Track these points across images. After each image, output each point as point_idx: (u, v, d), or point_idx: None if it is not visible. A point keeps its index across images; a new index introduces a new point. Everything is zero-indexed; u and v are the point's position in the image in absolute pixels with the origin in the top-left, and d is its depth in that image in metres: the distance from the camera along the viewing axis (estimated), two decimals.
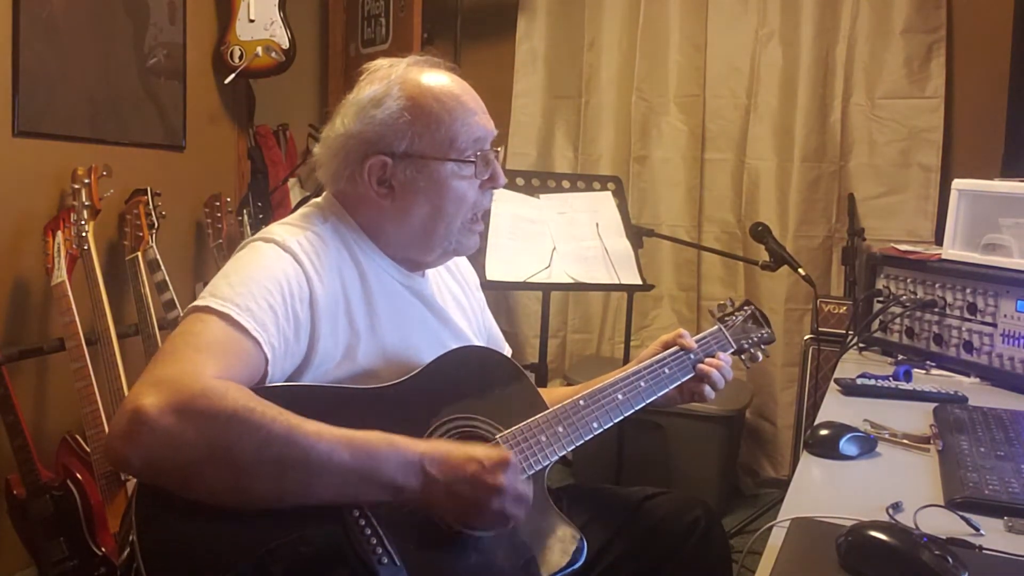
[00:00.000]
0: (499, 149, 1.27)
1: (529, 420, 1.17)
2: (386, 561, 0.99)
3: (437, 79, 1.22)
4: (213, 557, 0.91)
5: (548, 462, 1.16)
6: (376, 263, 1.23)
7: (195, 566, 0.91)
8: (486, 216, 1.31)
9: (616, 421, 1.25)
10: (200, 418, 0.91)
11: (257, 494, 0.93)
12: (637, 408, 1.28)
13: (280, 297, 1.08)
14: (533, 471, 1.13)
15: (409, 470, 0.99)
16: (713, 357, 1.40)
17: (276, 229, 1.19)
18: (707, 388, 1.38)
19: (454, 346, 1.24)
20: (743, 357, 1.52)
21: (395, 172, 1.19)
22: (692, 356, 1.39)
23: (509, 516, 1.03)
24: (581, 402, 1.23)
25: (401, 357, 1.20)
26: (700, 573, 1.29)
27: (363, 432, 0.99)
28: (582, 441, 1.20)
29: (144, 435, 0.90)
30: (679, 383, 1.37)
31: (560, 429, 1.18)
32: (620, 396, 1.27)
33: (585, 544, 1.12)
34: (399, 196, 1.21)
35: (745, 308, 1.56)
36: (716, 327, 1.49)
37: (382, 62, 1.25)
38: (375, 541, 0.99)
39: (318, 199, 1.28)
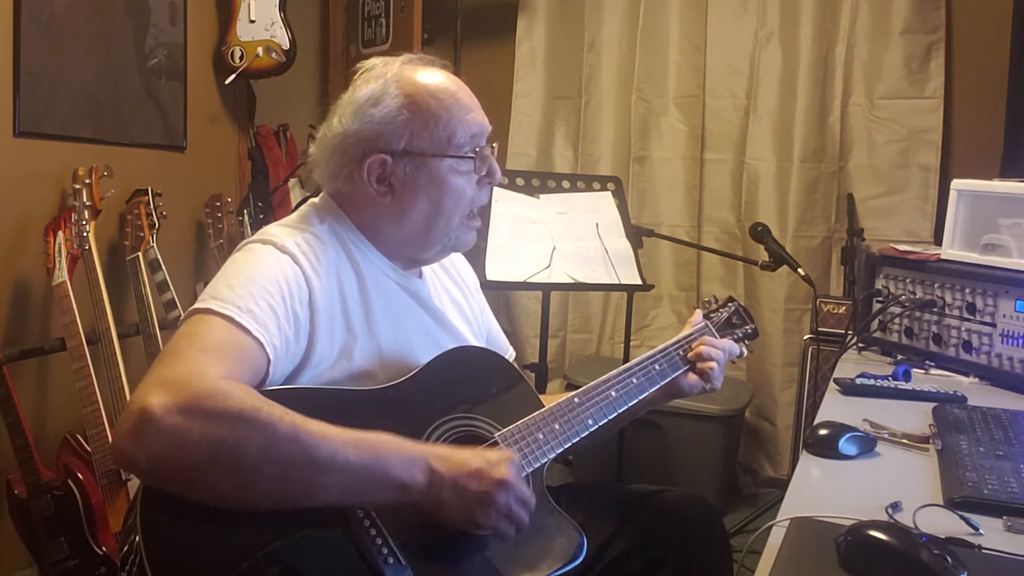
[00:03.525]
0: (495, 145, 1.28)
1: (526, 418, 1.18)
2: (392, 561, 0.99)
3: (433, 77, 1.23)
4: (217, 558, 0.92)
5: (546, 459, 1.17)
6: (373, 263, 1.24)
7: (199, 567, 0.91)
8: (483, 212, 1.32)
9: (611, 417, 1.26)
10: (207, 418, 0.91)
11: (262, 494, 0.94)
12: (631, 404, 1.29)
13: (280, 298, 1.08)
14: (532, 468, 1.14)
15: (415, 467, 0.99)
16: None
17: (273, 230, 1.19)
18: (708, 366, 1.38)
19: (450, 347, 1.25)
20: None
21: (394, 170, 1.20)
22: (681, 352, 1.40)
23: (514, 515, 1.04)
24: (576, 399, 1.24)
25: (397, 357, 1.20)
26: (701, 569, 1.29)
27: (368, 432, 0.99)
28: (579, 438, 1.21)
29: (151, 435, 0.90)
30: (670, 378, 1.38)
31: (557, 426, 1.19)
32: (613, 393, 1.28)
33: (585, 541, 1.13)
34: (398, 194, 1.21)
35: (729, 304, 1.58)
36: (702, 323, 1.50)
37: (375, 61, 1.25)
38: (380, 541, 1.00)
39: (315, 199, 1.28)
